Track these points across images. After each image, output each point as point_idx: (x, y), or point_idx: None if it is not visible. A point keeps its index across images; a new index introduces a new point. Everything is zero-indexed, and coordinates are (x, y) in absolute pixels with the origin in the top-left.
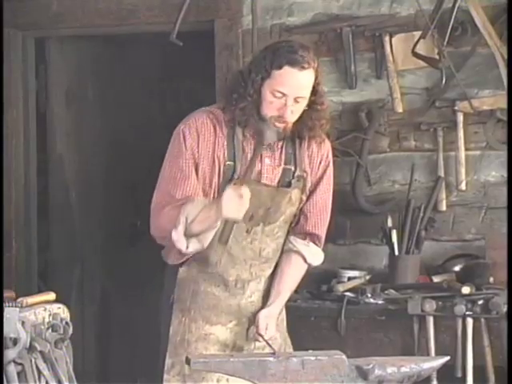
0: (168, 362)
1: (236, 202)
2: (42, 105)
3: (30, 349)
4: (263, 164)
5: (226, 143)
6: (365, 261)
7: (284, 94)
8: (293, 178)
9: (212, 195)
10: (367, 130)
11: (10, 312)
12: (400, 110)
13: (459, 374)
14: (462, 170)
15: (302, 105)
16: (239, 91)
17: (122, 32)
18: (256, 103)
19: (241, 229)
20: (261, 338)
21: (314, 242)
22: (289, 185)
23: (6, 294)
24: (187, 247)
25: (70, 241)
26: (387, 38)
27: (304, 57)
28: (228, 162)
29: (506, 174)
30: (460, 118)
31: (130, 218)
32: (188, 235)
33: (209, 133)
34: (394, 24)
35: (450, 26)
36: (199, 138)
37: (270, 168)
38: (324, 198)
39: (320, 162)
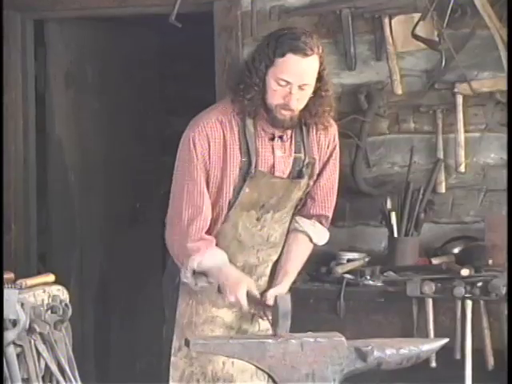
0: (175, 344)
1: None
2: (41, 87)
3: (30, 330)
4: (275, 156)
5: (238, 140)
6: (364, 243)
7: (288, 82)
8: (303, 166)
9: (226, 193)
10: (366, 112)
11: (9, 294)
12: (399, 92)
13: (458, 356)
14: (462, 153)
15: (308, 92)
16: (245, 81)
17: (121, 14)
18: (262, 92)
19: (251, 217)
20: (265, 318)
21: (321, 222)
22: (300, 174)
23: (6, 275)
24: (196, 285)
25: (69, 223)
26: (387, 20)
27: (307, 43)
28: (243, 159)
29: (505, 157)
30: (459, 100)
31: (129, 200)
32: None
33: (219, 137)
34: (394, 6)
35: (450, 8)
36: (210, 146)
37: (282, 160)
38: (331, 179)
39: (328, 147)
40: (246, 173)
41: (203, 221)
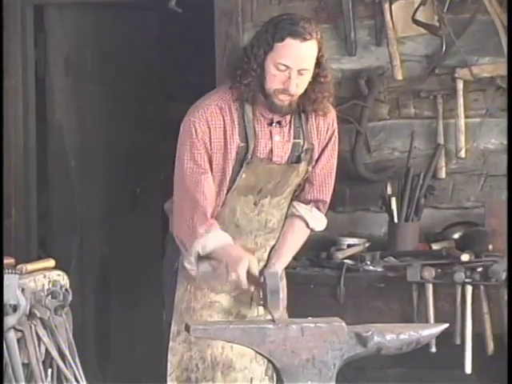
0: (173, 329)
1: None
2: (41, 73)
3: (30, 315)
4: (273, 141)
5: (237, 125)
6: (364, 228)
7: (287, 67)
8: (301, 151)
9: (228, 178)
10: (367, 97)
11: (9, 279)
12: (400, 77)
13: (458, 341)
14: (462, 138)
15: (307, 77)
16: (243, 67)
17: None
18: (260, 78)
19: (249, 202)
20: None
21: (318, 208)
22: (298, 160)
23: (6, 260)
24: (198, 271)
25: (69, 208)
26: (387, 5)
27: (306, 28)
28: (241, 144)
29: (505, 142)
30: (460, 85)
31: (129, 185)
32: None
33: (219, 122)
34: None
35: None
36: (210, 131)
37: (280, 144)
38: (329, 164)
39: (326, 132)
40: (244, 158)
41: (205, 207)
